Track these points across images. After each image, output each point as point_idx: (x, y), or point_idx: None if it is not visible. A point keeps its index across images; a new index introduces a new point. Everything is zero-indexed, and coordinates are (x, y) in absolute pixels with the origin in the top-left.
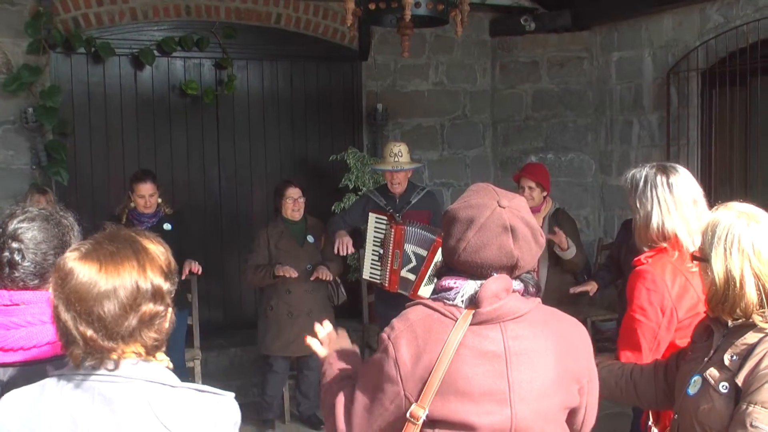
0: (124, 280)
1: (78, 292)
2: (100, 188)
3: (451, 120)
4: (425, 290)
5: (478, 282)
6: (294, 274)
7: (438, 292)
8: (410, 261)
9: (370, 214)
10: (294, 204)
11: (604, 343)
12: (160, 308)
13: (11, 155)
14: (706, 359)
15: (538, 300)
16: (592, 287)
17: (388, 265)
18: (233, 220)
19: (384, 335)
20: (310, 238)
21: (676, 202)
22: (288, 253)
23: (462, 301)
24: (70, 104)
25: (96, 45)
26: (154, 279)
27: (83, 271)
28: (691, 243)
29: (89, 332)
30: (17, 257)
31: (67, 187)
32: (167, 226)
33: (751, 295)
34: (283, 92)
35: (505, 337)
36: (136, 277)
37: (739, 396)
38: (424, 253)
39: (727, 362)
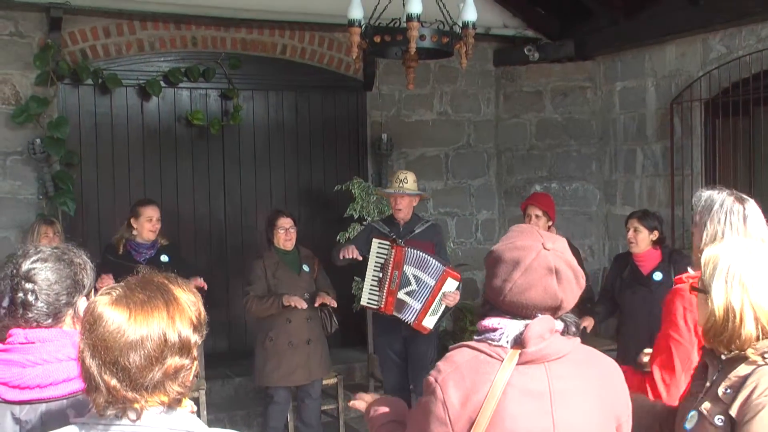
0: (152, 331)
1: (105, 340)
2: (107, 218)
3: (455, 149)
4: (430, 320)
5: (522, 322)
6: (304, 305)
7: (481, 333)
8: (409, 284)
9: (374, 240)
10: (286, 234)
11: None
12: (186, 362)
13: (18, 185)
14: (701, 395)
15: (578, 340)
16: (589, 323)
17: (386, 286)
18: (238, 249)
19: (431, 379)
20: (305, 267)
21: (747, 234)
22: (286, 283)
23: (507, 342)
24: (77, 135)
25: (103, 76)
26: (182, 331)
27: (112, 317)
28: None
29: (113, 382)
30: (31, 298)
31: (73, 217)
32: (164, 258)
33: (750, 328)
34: (289, 122)
35: (550, 376)
36: (165, 329)
37: (735, 428)
38: (430, 281)
39: (721, 395)
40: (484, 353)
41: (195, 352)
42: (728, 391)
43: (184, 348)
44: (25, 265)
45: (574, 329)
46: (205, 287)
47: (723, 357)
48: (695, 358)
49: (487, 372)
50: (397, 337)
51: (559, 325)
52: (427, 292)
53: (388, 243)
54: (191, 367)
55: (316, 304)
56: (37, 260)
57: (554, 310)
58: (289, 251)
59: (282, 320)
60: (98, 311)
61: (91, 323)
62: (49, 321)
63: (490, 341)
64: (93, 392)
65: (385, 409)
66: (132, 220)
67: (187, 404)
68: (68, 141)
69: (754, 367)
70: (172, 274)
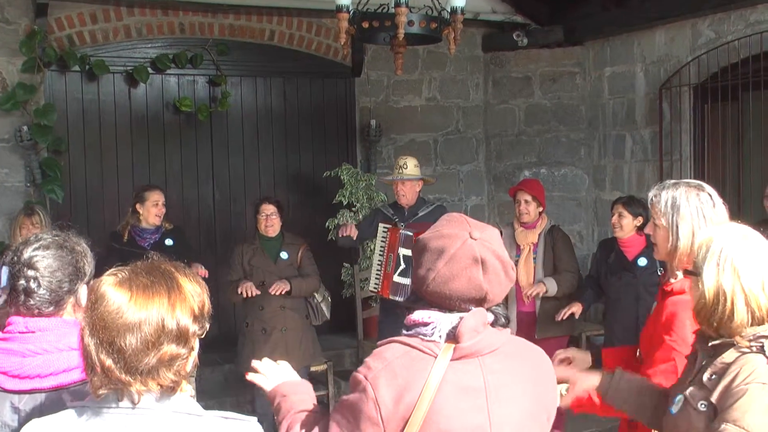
0: (151, 316)
1: (104, 320)
2: (95, 205)
3: (444, 135)
4: None
5: (456, 315)
6: (252, 292)
7: (411, 327)
8: (401, 264)
9: (380, 225)
10: (267, 220)
11: (599, 358)
12: (182, 351)
13: (6, 173)
14: (689, 379)
15: (509, 331)
16: (577, 309)
17: (383, 269)
18: (227, 235)
19: (360, 376)
20: (283, 255)
21: (717, 218)
22: (260, 270)
23: (440, 337)
24: (64, 122)
25: (90, 63)
26: (181, 319)
27: (114, 298)
28: None
29: (108, 362)
30: (33, 285)
31: (61, 204)
32: (169, 242)
33: (741, 313)
34: (277, 108)
35: (484, 371)
36: (164, 315)
37: (716, 414)
38: (409, 253)
39: (705, 381)
40: (416, 349)
41: (194, 343)
42: (713, 377)
43: (181, 336)
44: (27, 253)
45: (503, 321)
46: (206, 275)
47: (710, 343)
48: None
49: (421, 369)
50: (400, 323)
51: (489, 317)
52: (408, 264)
53: (388, 227)
54: (188, 357)
55: (271, 291)
56: (39, 247)
57: (479, 302)
58: (272, 238)
59: (255, 307)
60: (102, 290)
61: (93, 302)
62: (51, 308)
63: (422, 336)
64: (90, 372)
65: (296, 398)
66: (137, 206)
67: (187, 388)
68: (55, 128)
69: (739, 354)
70: (178, 260)
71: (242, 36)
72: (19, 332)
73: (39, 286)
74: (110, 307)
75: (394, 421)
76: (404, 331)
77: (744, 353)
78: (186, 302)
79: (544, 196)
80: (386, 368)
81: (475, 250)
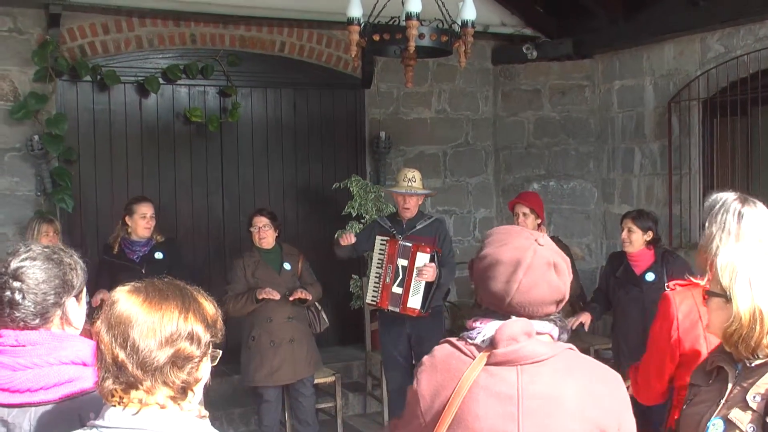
0: (165, 316)
1: (119, 317)
2: (105, 215)
3: (453, 148)
4: (414, 300)
5: (500, 323)
6: (276, 295)
7: (465, 331)
8: (398, 275)
9: (377, 237)
10: (260, 233)
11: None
12: (195, 352)
13: (16, 182)
14: (722, 401)
15: (568, 346)
16: (586, 318)
17: (382, 281)
18: (236, 246)
19: (416, 369)
20: (286, 266)
21: (740, 234)
22: (266, 282)
23: (483, 341)
24: (75, 131)
25: (102, 73)
26: (194, 325)
27: (128, 300)
28: None
29: (121, 356)
30: (18, 297)
31: (71, 214)
32: (159, 255)
33: None
34: (287, 120)
35: (521, 380)
36: (177, 316)
37: None
38: (405, 263)
39: (751, 402)
40: (459, 350)
41: (204, 349)
42: (757, 397)
43: (194, 338)
44: (14, 264)
45: (565, 335)
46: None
47: (749, 363)
48: (669, 366)
49: (458, 369)
50: (402, 337)
51: (555, 330)
52: (405, 273)
53: (386, 239)
54: (200, 362)
55: (291, 299)
56: (26, 258)
57: (559, 304)
58: (269, 249)
59: (262, 319)
60: (116, 296)
61: (109, 306)
62: (37, 321)
63: (468, 339)
64: (103, 370)
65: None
66: (126, 218)
67: (193, 408)
68: (66, 137)
69: None
70: (168, 274)
71: (253, 47)
72: (10, 345)
73: (24, 298)
74: (126, 306)
75: (429, 415)
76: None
77: None
78: (200, 310)
79: (543, 208)
80: (431, 365)
81: (547, 255)
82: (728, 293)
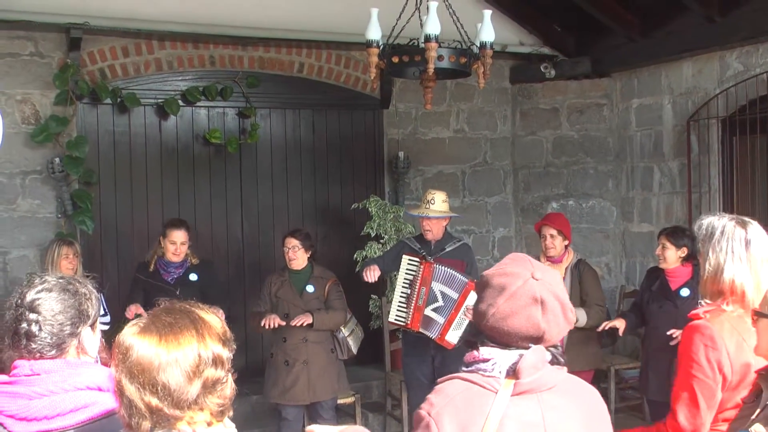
0: (185, 349)
1: (141, 364)
2: (125, 237)
3: (472, 167)
4: (453, 335)
5: (515, 352)
6: (276, 323)
7: (471, 364)
8: (436, 300)
9: (404, 256)
10: (290, 253)
11: (627, 391)
12: (222, 374)
13: (37, 204)
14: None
15: (565, 370)
16: (621, 324)
17: (413, 302)
18: (255, 267)
19: (423, 412)
20: (309, 288)
21: (751, 258)
22: (285, 302)
23: (500, 373)
24: (95, 153)
25: (122, 95)
26: (214, 347)
27: (143, 344)
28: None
29: (154, 402)
30: (34, 329)
31: (91, 236)
32: (193, 277)
33: None
34: (306, 140)
35: (543, 407)
36: (197, 346)
37: None
38: (454, 295)
39: None
40: (477, 384)
41: (228, 366)
42: None
43: (217, 361)
44: (30, 296)
45: (561, 360)
46: (223, 317)
47: None
48: (719, 396)
49: (482, 404)
50: (426, 358)
51: (548, 356)
52: (451, 306)
53: (417, 260)
54: (227, 381)
55: (292, 323)
56: (42, 290)
57: (536, 341)
58: (299, 270)
59: (278, 338)
60: (128, 342)
61: (123, 353)
62: (53, 352)
63: (482, 372)
64: (134, 417)
65: None
66: (161, 239)
67: (231, 426)
68: (87, 160)
69: None
70: (202, 296)
71: (271, 68)
72: (25, 375)
73: (40, 329)
74: (143, 352)
75: None
76: (463, 368)
77: None
78: (212, 330)
79: (570, 229)
80: (449, 404)
81: (536, 290)
82: None
